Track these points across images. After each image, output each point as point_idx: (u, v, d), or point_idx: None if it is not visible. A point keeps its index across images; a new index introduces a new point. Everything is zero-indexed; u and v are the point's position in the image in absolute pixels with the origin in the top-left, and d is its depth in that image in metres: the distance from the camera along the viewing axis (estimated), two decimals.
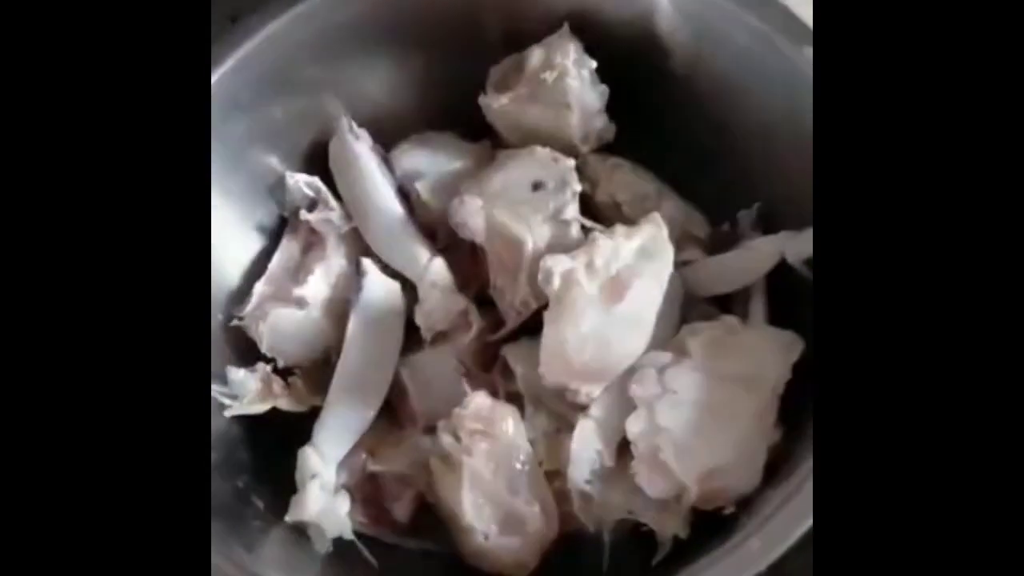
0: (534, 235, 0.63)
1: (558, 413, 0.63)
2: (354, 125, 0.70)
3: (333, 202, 0.70)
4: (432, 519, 0.65)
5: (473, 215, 0.65)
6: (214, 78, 0.64)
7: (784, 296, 0.65)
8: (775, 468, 0.59)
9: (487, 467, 0.61)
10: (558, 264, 0.60)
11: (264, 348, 0.67)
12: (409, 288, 0.68)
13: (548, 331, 0.60)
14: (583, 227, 0.65)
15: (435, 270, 0.66)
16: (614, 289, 0.60)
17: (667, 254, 0.62)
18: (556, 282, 0.59)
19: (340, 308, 0.68)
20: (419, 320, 0.66)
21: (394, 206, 0.68)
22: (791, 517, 0.53)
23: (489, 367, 0.67)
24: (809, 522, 0.52)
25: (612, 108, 0.70)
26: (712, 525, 0.59)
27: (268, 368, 0.67)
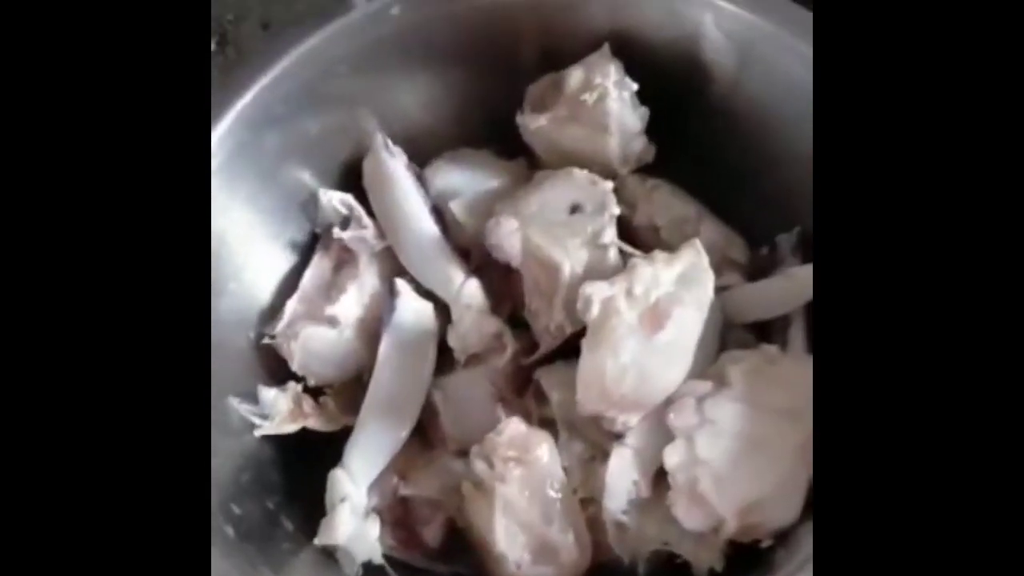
0: (571, 259, 0.62)
1: (593, 440, 0.62)
2: (389, 142, 0.69)
3: (367, 220, 0.69)
4: (463, 544, 0.64)
5: (509, 237, 0.64)
6: (249, 94, 0.63)
7: None
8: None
9: (521, 494, 0.60)
10: (598, 291, 0.59)
11: (295, 367, 0.67)
12: (442, 309, 0.67)
13: (586, 360, 0.59)
14: (621, 251, 0.64)
15: (469, 291, 0.65)
16: (654, 318, 0.59)
17: (708, 282, 0.61)
18: (595, 310, 0.58)
19: (372, 328, 0.67)
20: (452, 342, 0.65)
21: (428, 225, 0.68)
22: None
23: (522, 391, 0.66)
24: None
25: (651, 129, 0.70)
26: (748, 558, 0.58)
27: (299, 387, 0.66)
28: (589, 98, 0.66)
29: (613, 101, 0.66)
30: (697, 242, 0.62)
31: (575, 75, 0.67)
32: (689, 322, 0.60)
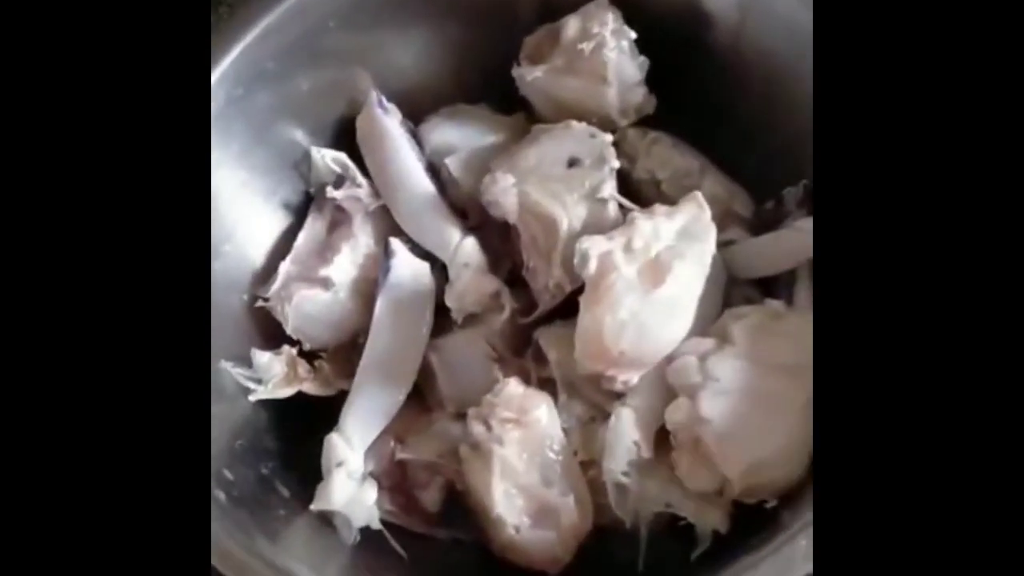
0: (569, 214, 0.61)
1: (593, 401, 0.61)
2: (383, 99, 0.68)
3: (361, 179, 0.67)
4: (462, 508, 0.63)
5: (505, 193, 0.62)
6: (238, 47, 0.62)
7: None
8: None
9: (519, 457, 0.58)
10: (595, 246, 0.57)
11: (289, 330, 0.65)
12: (439, 268, 0.65)
13: (584, 316, 0.57)
14: (620, 206, 0.62)
15: (466, 250, 0.64)
16: (654, 272, 0.57)
17: (710, 235, 0.59)
18: (593, 265, 0.57)
19: (367, 289, 0.66)
20: (449, 302, 0.64)
21: (424, 183, 0.66)
22: None
23: (521, 351, 0.65)
24: None
25: (652, 80, 0.67)
26: (753, 519, 0.56)
27: (293, 351, 0.65)
28: (586, 47, 0.64)
29: (611, 50, 0.64)
30: (699, 194, 0.60)
31: (572, 24, 0.65)
32: (690, 277, 0.58)
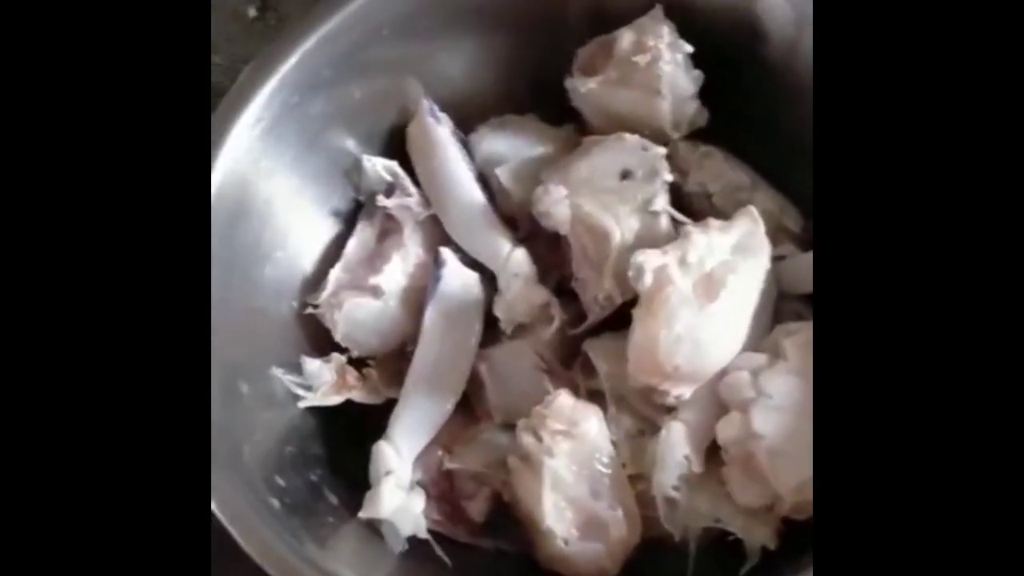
0: (621, 227, 0.61)
1: (643, 414, 0.61)
2: (435, 108, 0.68)
3: (411, 188, 0.67)
4: (508, 519, 0.63)
5: (557, 204, 0.62)
6: (295, 56, 0.62)
7: None
8: None
9: (569, 469, 0.58)
10: (650, 260, 0.57)
11: (339, 338, 0.65)
12: (488, 278, 0.65)
13: (638, 330, 0.57)
14: (673, 219, 0.62)
15: (517, 261, 0.64)
16: (708, 287, 0.57)
17: (764, 250, 0.59)
18: (648, 279, 0.57)
19: (417, 298, 0.66)
20: (499, 312, 0.64)
21: (475, 193, 0.66)
22: None
23: (569, 362, 0.64)
24: None
25: (705, 93, 0.67)
26: (803, 536, 0.56)
27: (343, 358, 0.65)
28: (641, 60, 0.64)
29: (666, 63, 0.64)
30: (753, 209, 0.60)
31: (626, 37, 0.65)
32: (745, 292, 0.58)
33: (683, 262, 0.57)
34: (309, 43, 0.62)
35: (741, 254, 0.58)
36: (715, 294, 0.57)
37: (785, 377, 0.57)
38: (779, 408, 0.56)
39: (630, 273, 0.57)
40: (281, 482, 0.59)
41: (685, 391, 0.58)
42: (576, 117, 0.70)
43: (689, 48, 0.65)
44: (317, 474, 0.63)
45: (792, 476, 0.55)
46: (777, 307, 0.63)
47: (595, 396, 0.62)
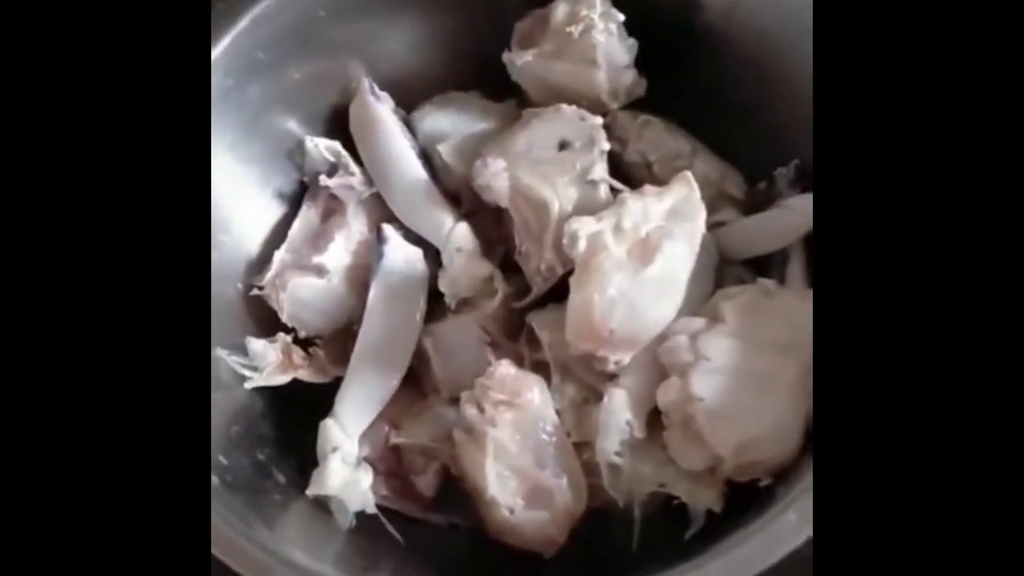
0: (560, 197, 0.61)
1: (586, 382, 0.61)
2: (375, 87, 0.68)
3: (354, 167, 0.68)
4: (458, 493, 0.63)
5: (496, 177, 0.62)
6: (228, 38, 0.62)
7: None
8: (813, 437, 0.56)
9: (512, 439, 0.58)
10: (584, 226, 0.57)
11: (284, 318, 0.65)
12: (432, 254, 0.66)
13: (574, 296, 0.57)
14: (612, 188, 0.62)
15: (459, 235, 0.64)
16: (643, 252, 0.57)
17: (699, 215, 0.59)
18: (582, 245, 0.57)
19: (362, 276, 0.66)
20: (443, 287, 0.64)
21: (416, 170, 0.66)
22: None
23: (515, 335, 0.65)
24: None
25: (643, 63, 0.68)
26: (747, 498, 0.56)
27: (288, 338, 0.65)
28: (575, 31, 0.64)
29: (599, 33, 0.64)
30: (688, 175, 0.60)
31: (560, 8, 0.66)
32: (680, 256, 0.58)
33: (618, 228, 0.57)
34: (240, 25, 0.62)
35: (676, 219, 0.58)
36: (650, 259, 0.57)
37: (723, 339, 0.57)
38: (717, 370, 0.56)
39: (564, 241, 0.57)
40: (225, 461, 0.59)
41: (624, 356, 0.58)
42: (518, 92, 0.70)
43: (621, 17, 0.65)
44: (265, 453, 0.63)
45: (731, 437, 0.55)
46: (719, 272, 0.64)
47: (540, 367, 0.62)
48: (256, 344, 0.64)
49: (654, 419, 0.58)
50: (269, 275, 0.66)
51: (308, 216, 0.68)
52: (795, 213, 0.61)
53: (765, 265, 0.64)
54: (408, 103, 0.70)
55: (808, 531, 0.49)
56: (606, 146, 0.62)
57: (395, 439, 0.63)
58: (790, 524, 0.50)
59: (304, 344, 0.66)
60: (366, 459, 0.63)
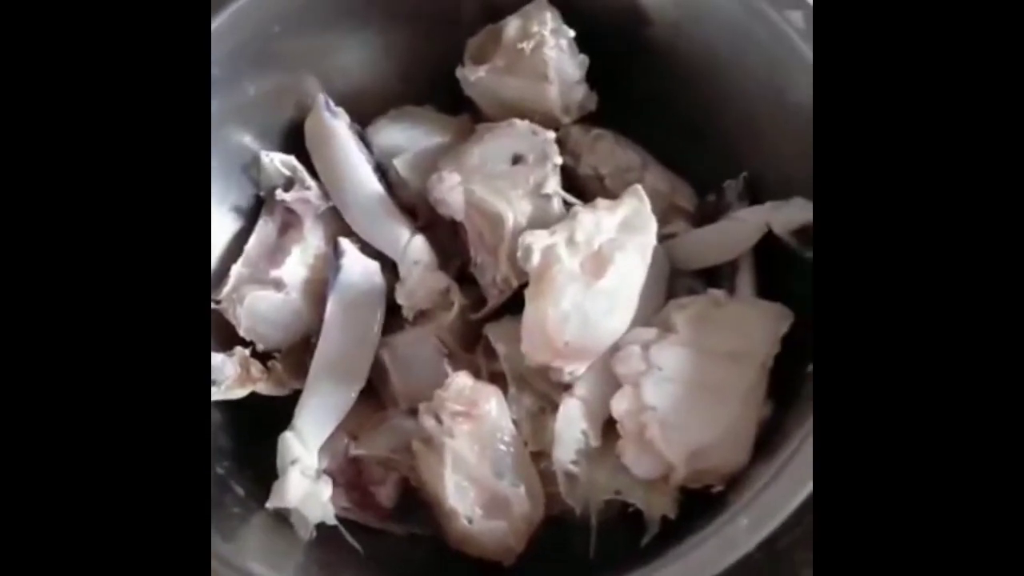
0: (514, 210, 0.62)
1: (543, 393, 0.62)
2: (331, 102, 0.69)
3: (310, 181, 0.68)
4: (418, 503, 0.64)
5: (451, 191, 0.63)
6: None
7: (773, 268, 0.64)
8: (765, 443, 0.57)
9: (470, 449, 0.59)
10: (538, 240, 0.58)
11: (242, 332, 0.66)
12: (390, 267, 0.66)
13: (529, 309, 0.58)
14: (565, 202, 0.63)
15: (416, 248, 0.65)
16: (596, 264, 0.58)
17: (650, 227, 0.60)
18: (536, 258, 0.58)
19: (319, 290, 0.66)
20: (400, 299, 0.65)
21: (372, 184, 0.67)
22: (781, 493, 0.52)
23: (472, 347, 0.65)
24: (800, 498, 0.51)
25: (596, 79, 0.69)
26: (701, 504, 0.57)
27: (246, 352, 0.65)
28: (526, 47, 0.65)
29: (550, 49, 0.65)
30: (639, 188, 0.61)
31: (512, 25, 0.67)
32: (632, 268, 0.59)
33: (571, 241, 0.58)
34: None
35: (628, 232, 0.59)
36: (602, 271, 0.58)
37: (674, 349, 0.58)
38: (669, 379, 0.57)
39: (519, 254, 0.58)
40: None
41: (578, 367, 0.59)
42: (472, 106, 0.71)
43: (572, 33, 0.66)
44: (224, 466, 0.63)
45: (683, 445, 0.56)
46: (671, 283, 0.65)
47: (497, 378, 0.63)
48: (215, 358, 0.64)
49: (609, 428, 0.59)
50: (226, 289, 0.66)
51: (265, 230, 0.69)
52: (743, 225, 0.63)
53: (716, 275, 0.65)
54: (363, 117, 0.71)
55: (759, 536, 0.51)
56: (559, 160, 0.63)
57: (354, 451, 0.64)
58: (742, 529, 0.51)
59: (262, 357, 0.66)
60: (326, 471, 0.63)
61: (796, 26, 0.59)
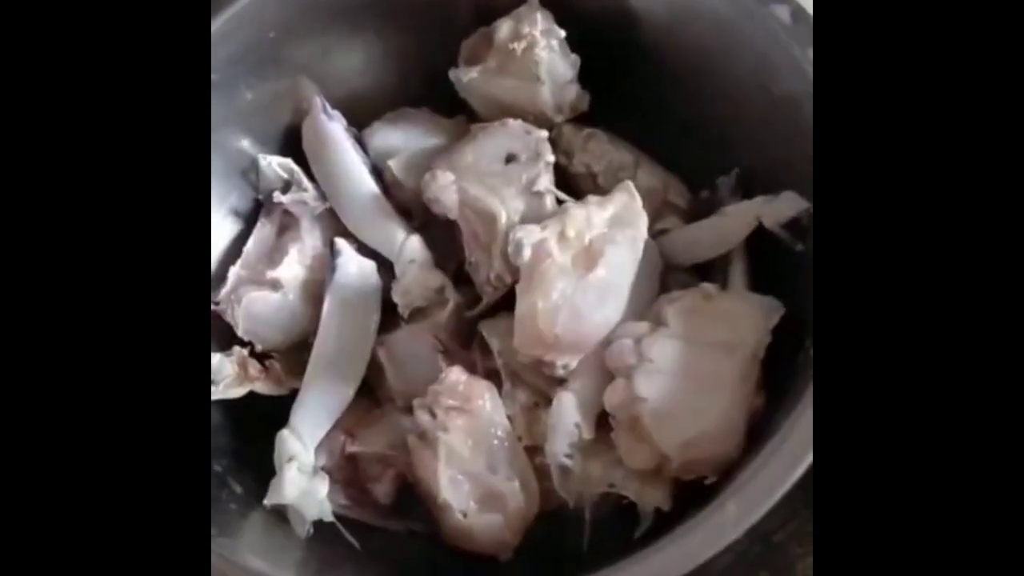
0: (507, 208, 0.63)
1: (536, 388, 0.62)
2: (327, 105, 0.69)
3: (307, 183, 0.69)
4: (415, 499, 0.64)
5: (445, 190, 0.64)
6: None
7: (764, 261, 0.64)
8: (757, 434, 0.57)
9: (464, 443, 0.60)
10: (529, 235, 0.59)
11: (240, 332, 0.67)
12: (386, 268, 0.67)
13: (520, 303, 0.59)
14: (557, 199, 0.64)
15: (412, 247, 0.65)
16: (587, 258, 0.59)
17: (641, 222, 0.61)
18: (527, 253, 0.58)
19: (316, 290, 0.67)
20: (396, 297, 0.65)
21: (369, 185, 0.68)
22: (769, 481, 0.52)
23: (467, 344, 0.66)
24: (787, 486, 0.51)
25: (588, 79, 0.70)
26: (695, 496, 0.57)
27: (245, 352, 0.66)
28: (518, 48, 0.66)
29: (542, 49, 0.66)
30: (630, 183, 0.62)
31: (504, 26, 0.67)
32: (622, 261, 0.60)
33: (562, 236, 0.59)
34: None
35: (618, 226, 0.60)
36: (593, 265, 0.59)
37: (666, 342, 0.58)
38: (661, 371, 0.57)
39: (510, 249, 0.59)
40: None
41: (570, 360, 0.59)
42: (467, 108, 0.72)
43: (563, 33, 0.67)
44: (222, 464, 0.64)
45: (676, 436, 0.56)
46: (665, 278, 0.65)
47: (492, 375, 0.63)
48: (213, 358, 0.65)
49: (603, 421, 0.60)
50: (225, 290, 0.67)
51: (263, 232, 0.69)
52: (734, 219, 0.63)
53: (709, 270, 0.65)
54: (360, 120, 0.72)
55: (747, 523, 0.51)
56: (551, 158, 0.64)
57: (351, 448, 0.64)
58: (730, 516, 0.51)
59: (260, 357, 0.67)
60: (323, 468, 0.64)
61: (782, 21, 0.59)
